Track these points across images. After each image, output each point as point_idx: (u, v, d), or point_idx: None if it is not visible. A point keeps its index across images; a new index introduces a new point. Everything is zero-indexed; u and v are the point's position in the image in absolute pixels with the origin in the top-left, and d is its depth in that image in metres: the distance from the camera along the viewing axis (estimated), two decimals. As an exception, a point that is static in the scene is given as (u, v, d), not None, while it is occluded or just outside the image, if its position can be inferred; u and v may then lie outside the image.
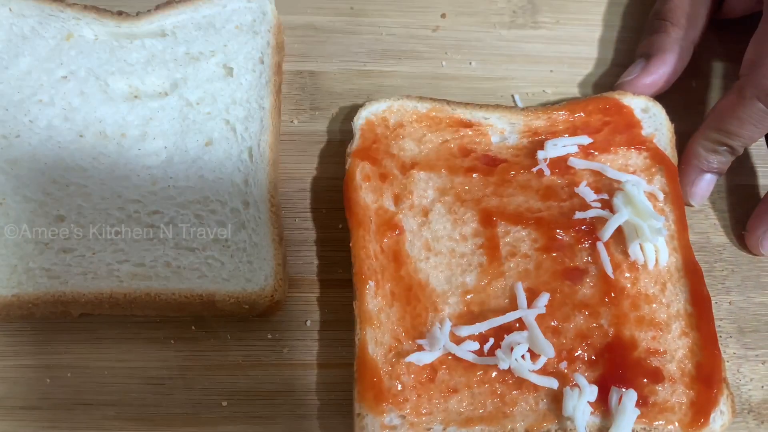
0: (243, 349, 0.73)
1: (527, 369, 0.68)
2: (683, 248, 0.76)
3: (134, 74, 0.80)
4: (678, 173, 0.80)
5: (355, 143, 0.78)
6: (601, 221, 0.75)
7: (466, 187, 0.77)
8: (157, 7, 0.83)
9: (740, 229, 0.81)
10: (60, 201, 0.74)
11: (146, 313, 0.72)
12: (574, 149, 0.79)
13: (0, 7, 0.81)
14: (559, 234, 0.75)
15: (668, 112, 0.82)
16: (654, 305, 0.73)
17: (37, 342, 0.72)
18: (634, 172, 0.79)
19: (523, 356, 0.69)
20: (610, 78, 0.89)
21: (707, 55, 0.90)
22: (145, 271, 0.71)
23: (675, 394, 0.69)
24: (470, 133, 0.80)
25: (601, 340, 0.71)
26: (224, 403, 0.71)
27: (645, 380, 0.69)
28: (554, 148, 0.78)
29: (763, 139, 0.83)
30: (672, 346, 0.72)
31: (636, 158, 0.80)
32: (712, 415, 0.69)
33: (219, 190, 0.75)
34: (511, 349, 0.68)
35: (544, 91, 0.88)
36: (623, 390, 0.68)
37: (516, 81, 0.88)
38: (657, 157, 0.80)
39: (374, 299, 0.71)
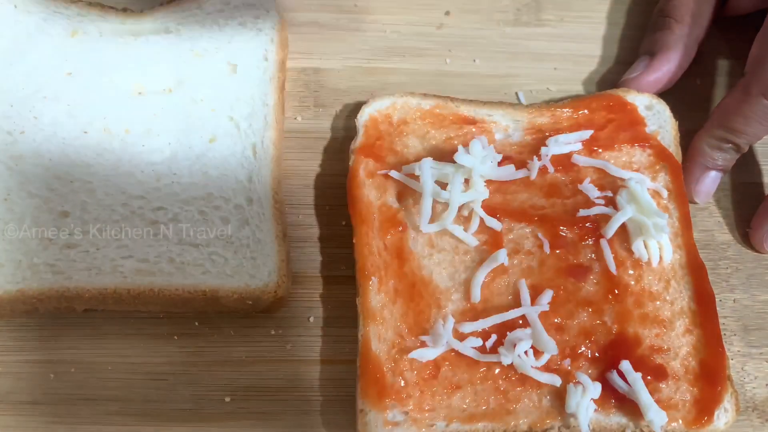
0: (246, 345, 0.73)
1: (530, 366, 0.68)
2: (687, 246, 0.76)
3: (138, 71, 0.80)
4: (682, 171, 0.79)
5: (359, 140, 0.78)
6: (605, 218, 0.74)
7: (470, 184, 0.77)
8: (162, 5, 0.84)
9: (744, 227, 0.81)
10: (64, 197, 0.74)
11: (150, 308, 0.73)
12: (578, 146, 0.79)
13: (6, 3, 0.81)
14: (563, 231, 0.75)
15: (672, 110, 0.82)
16: (658, 302, 0.73)
17: (41, 338, 0.73)
18: (638, 170, 0.78)
19: (526, 353, 0.69)
20: (614, 75, 0.88)
21: (711, 52, 0.90)
22: (149, 267, 0.71)
23: (679, 392, 0.69)
24: (474, 130, 0.80)
25: (605, 338, 0.71)
26: (227, 399, 0.71)
27: (649, 377, 0.69)
28: (556, 145, 0.78)
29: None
30: (676, 343, 0.71)
31: (640, 155, 0.80)
32: (716, 413, 0.69)
33: (223, 186, 0.75)
34: (514, 346, 0.68)
35: (548, 88, 0.88)
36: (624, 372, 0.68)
37: (520, 78, 0.88)
38: (661, 154, 0.80)
39: (377, 296, 0.71)
